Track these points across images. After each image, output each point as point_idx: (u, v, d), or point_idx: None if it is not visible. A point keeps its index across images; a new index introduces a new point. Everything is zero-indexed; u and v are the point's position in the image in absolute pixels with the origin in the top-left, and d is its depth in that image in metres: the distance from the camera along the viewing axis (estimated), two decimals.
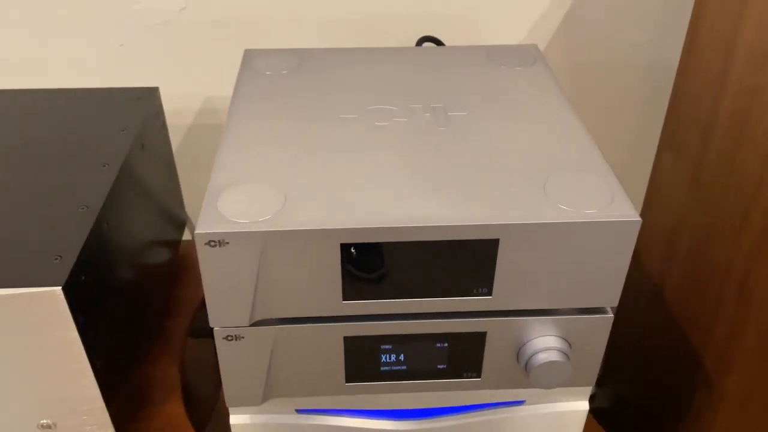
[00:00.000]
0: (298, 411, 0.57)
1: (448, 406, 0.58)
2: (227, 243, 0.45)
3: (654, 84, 0.84)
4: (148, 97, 0.68)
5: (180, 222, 0.79)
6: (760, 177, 0.59)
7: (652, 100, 0.85)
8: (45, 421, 0.53)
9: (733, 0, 0.62)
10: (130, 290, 0.61)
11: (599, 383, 0.97)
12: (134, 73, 0.80)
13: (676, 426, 0.74)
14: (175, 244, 0.77)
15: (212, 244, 0.45)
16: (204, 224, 0.45)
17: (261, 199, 0.47)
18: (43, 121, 0.64)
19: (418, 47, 0.75)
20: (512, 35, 0.81)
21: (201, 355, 0.76)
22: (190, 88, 0.82)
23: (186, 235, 0.82)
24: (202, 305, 0.75)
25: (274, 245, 0.45)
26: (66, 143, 0.60)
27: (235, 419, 0.56)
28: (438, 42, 0.77)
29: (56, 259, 0.48)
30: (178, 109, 0.82)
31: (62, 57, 0.78)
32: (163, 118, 0.72)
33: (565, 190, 0.48)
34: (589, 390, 0.57)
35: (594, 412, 0.97)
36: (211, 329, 0.49)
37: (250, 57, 0.67)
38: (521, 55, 0.68)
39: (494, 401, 0.57)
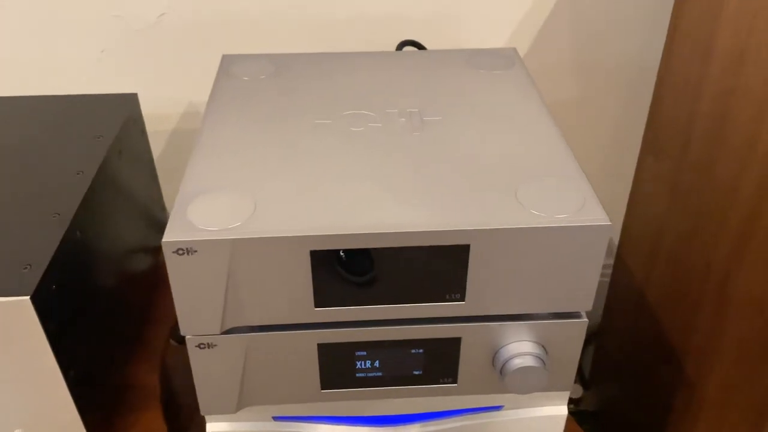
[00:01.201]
0: (275, 418, 0.57)
1: (425, 412, 0.57)
2: (195, 251, 0.45)
3: (634, 89, 0.84)
4: (127, 103, 0.68)
5: (161, 228, 0.78)
6: (737, 179, 0.59)
7: (633, 105, 0.85)
8: (18, 430, 0.53)
9: (709, 7, 0.62)
10: (107, 298, 0.61)
11: (587, 386, 0.97)
12: (114, 80, 0.80)
13: (660, 426, 0.74)
14: (156, 250, 0.76)
15: (180, 252, 0.45)
16: (172, 232, 0.45)
17: (231, 207, 0.47)
18: (19, 128, 0.64)
19: (398, 51, 0.75)
20: (494, 39, 0.81)
21: (184, 360, 0.76)
22: (170, 94, 0.82)
23: None
24: None
25: (243, 253, 0.45)
26: (41, 151, 0.60)
27: (212, 427, 0.56)
28: (419, 46, 0.76)
29: (25, 268, 0.48)
30: (159, 115, 0.82)
31: (42, 64, 0.78)
32: (142, 124, 0.71)
33: (536, 196, 0.48)
34: (567, 395, 0.57)
35: (582, 414, 0.97)
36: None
37: (227, 62, 0.67)
38: (500, 59, 0.67)
39: (472, 407, 0.57)
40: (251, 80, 0.64)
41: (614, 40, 0.81)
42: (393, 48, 0.78)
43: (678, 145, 0.69)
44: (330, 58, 0.68)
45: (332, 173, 0.50)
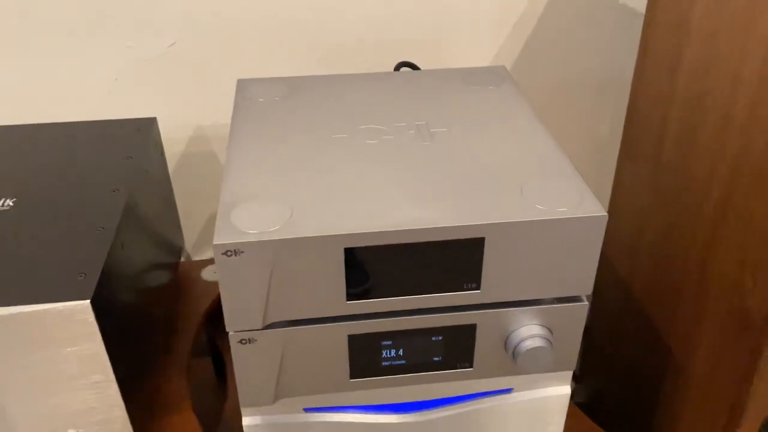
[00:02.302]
0: (306, 410, 0.61)
1: (443, 397, 0.63)
2: (242, 252, 0.50)
3: (613, 99, 0.92)
4: (147, 126, 0.73)
5: (178, 245, 0.83)
6: (709, 175, 0.66)
7: (612, 114, 0.92)
8: (71, 430, 0.57)
9: (675, 25, 0.69)
10: (140, 307, 0.65)
11: (578, 380, 1.03)
12: (127, 106, 0.85)
13: (650, 410, 0.80)
14: (174, 266, 0.81)
15: (228, 253, 0.50)
16: (220, 236, 0.50)
17: (269, 212, 0.52)
18: (54, 152, 0.68)
19: (397, 72, 0.81)
20: (479, 59, 0.87)
21: (201, 372, 0.80)
22: (180, 118, 0.87)
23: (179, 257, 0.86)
24: (203, 323, 0.80)
25: (284, 252, 0.50)
26: (77, 171, 0.65)
27: (248, 421, 0.60)
28: (414, 66, 0.83)
29: (80, 276, 0.52)
30: (170, 138, 0.87)
31: (60, 92, 0.83)
32: (161, 147, 0.76)
33: (539, 193, 0.54)
34: (570, 375, 0.63)
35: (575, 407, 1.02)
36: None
37: (243, 85, 0.72)
38: (491, 76, 0.74)
39: (485, 390, 0.63)
40: (266, 101, 0.69)
41: (590, 57, 0.89)
42: (389, 69, 0.84)
43: (653, 148, 0.77)
44: (336, 80, 0.74)
45: (356, 179, 0.56)
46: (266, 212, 0.52)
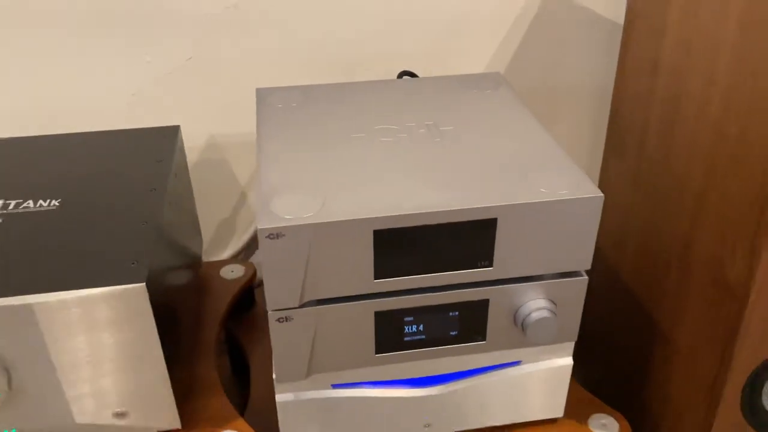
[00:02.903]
0: (334, 386, 0.67)
1: (459, 371, 0.68)
2: (283, 236, 0.56)
3: (597, 103, 0.99)
4: (173, 133, 0.78)
5: (199, 244, 0.88)
6: (687, 168, 0.73)
7: (596, 116, 1.00)
8: (119, 409, 0.62)
9: (653, 29, 0.77)
10: (175, 297, 0.70)
11: (573, 370, 1.10)
12: (147, 117, 0.90)
13: (640, 383, 0.86)
14: (197, 263, 0.86)
15: (271, 236, 0.55)
16: (263, 222, 0.55)
17: (304, 201, 0.58)
18: (89, 157, 0.73)
19: (400, 79, 0.88)
20: (474, 66, 0.95)
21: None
22: (194, 128, 0.93)
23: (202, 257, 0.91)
24: (225, 317, 0.85)
25: (319, 235, 0.56)
26: (117, 173, 0.70)
27: (281, 398, 0.66)
28: (414, 74, 0.90)
29: (133, 263, 0.58)
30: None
31: (85, 105, 0.88)
32: (184, 152, 0.82)
33: (543, 179, 0.61)
34: (572, 346, 0.70)
35: None
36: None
37: (261, 94, 0.78)
38: (488, 81, 0.81)
39: (496, 363, 0.69)
40: (284, 107, 0.75)
41: (575, 63, 0.97)
42: (389, 78, 0.91)
43: (636, 145, 0.84)
44: (346, 87, 0.80)
45: (378, 171, 0.62)
46: (301, 201, 0.58)
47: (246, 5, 0.86)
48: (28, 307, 0.54)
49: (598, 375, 0.99)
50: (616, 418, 0.75)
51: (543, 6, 0.92)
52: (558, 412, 0.73)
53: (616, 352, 0.93)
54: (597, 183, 0.95)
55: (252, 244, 1.00)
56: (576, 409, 0.75)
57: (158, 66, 0.88)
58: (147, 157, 0.73)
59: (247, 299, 0.92)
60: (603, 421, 0.75)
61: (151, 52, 0.87)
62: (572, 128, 1.01)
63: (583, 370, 1.06)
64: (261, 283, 1.00)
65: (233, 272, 0.90)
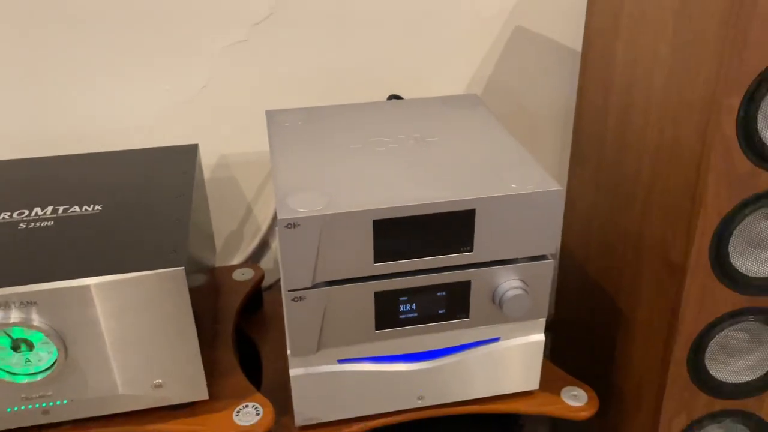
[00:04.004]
0: (339, 361, 0.77)
1: (447, 347, 0.79)
2: (298, 225, 0.67)
3: (563, 118, 1.12)
4: (193, 150, 0.90)
5: (213, 249, 0.99)
6: (636, 170, 0.86)
7: (562, 130, 1.13)
8: (157, 381, 0.72)
9: (605, 54, 0.91)
10: (201, 287, 0.81)
11: (552, 342, 1.20)
12: (165, 139, 1.02)
13: (608, 357, 0.97)
14: (212, 266, 0.96)
15: (288, 226, 0.67)
16: (282, 213, 0.67)
17: (314, 197, 0.69)
18: (122, 170, 0.84)
19: (389, 101, 1.00)
20: (453, 90, 1.08)
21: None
22: (206, 149, 1.04)
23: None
24: (238, 313, 0.95)
25: (327, 225, 0.67)
26: (146, 182, 0.81)
27: (294, 372, 0.76)
28: (400, 97, 1.02)
29: (173, 252, 0.68)
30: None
31: (113, 127, 0.99)
32: (202, 168, 0.93)
33: (513, 177, 0.73)
34: (543, 324, 0.81)
35: None
36: None
37: (271, 114, 0.90)
38: (466, 102, 0.94)
39: (478, 340, 0.80)
40: (291, 125, 0.87)
41: (542, 85, 1.10)
42: (378, 99, 1.03)
43: (595, 154, 0.97)
44: (343, 108, 0.92)
45: (375, 173, 0.74)
46: (312, 197, 0.69)
47: (255, 40, 0.99)
48: (85, 289, 0.65)
49: (571, 357, 1.10)
50: (585, 390, 0.86)
51: (513, 37, 1.06)
52: (534, 384, 0.84)
53: (586, 334, 1.05)
54: (565, 189, 1.07)
55: (259, 251, 1.11)
56: (550, 384, 0.86)
57: (176, 94, 1.00)
58: (173, 169, 0.84)
59: (256, 301, 1.02)
60: (573, 393, 0.86)
61: (170, 81, 0.99)
62: (542, 142, 1.14)
63: (559, 354, 1.18)
64: (269, 287, 1.11)
65: (244, 274, 1.01)
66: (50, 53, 0.94)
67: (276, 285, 1.12)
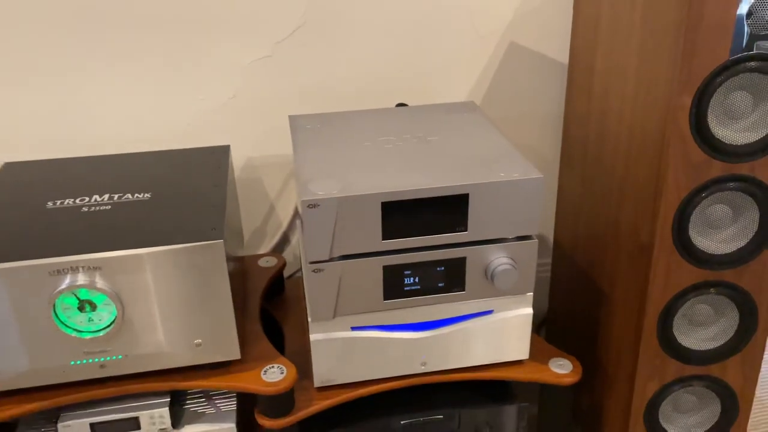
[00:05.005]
0: (353, 328, 0.89)
1: (446, 318, 0.91)
2: (318, 206, 0.79)
3: (553, 124, 1.25)
4: (225, 150, 1.03)
5: (241, 239, 1.11)
6: (612, 165, 0.98)
7: (552, 136, 1.25)
8: (197, 340, 0.84)
9: (587, 67, 1.03)
10: (232, 265, 0.93)
11: (548, 323, 1.31)
12: (199, 141, 1.15)
13: (592, 333, 1.08)
14: (241, 253, 1.09)
15: (310, 206, 0.79)
16: (304, 195, 0.79)
17: (331, 183, 0.82)
18: (167, 166, 0.97)
19: (396, 108, 1.13)
20: (453, 98, 1.20)
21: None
22: (235, 152, 1.17)
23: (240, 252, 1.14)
24: (263, 295, 1.07)
25: (342, 206, 0.80)
26: (187, 175, 0.94)
27: (314, 337, 0.88)
28: (405, 105, 1.15)
29: (213, 229, 0.81)
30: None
31: (153, 133, 1.13)
32: (233, 166, 1.06)
33: (501, 167, 0.85)
34: (530, 299, 0.92)
35: None
36: None
37: (293, 119, 1.03)
38: (465, 108, 1.07)
39: (474, 312, 0.91)
40: (311, 128, 1.00)
41: (534, 94, 1.22)
42: (389, 106, 1.16)
43: (581, 155, 1.09)
44: (355, 113, 1.05)
45: (383, 165, 0.86)
46: (329, 183, 0.82)
47: (278, 55, 1.12)
48: (139, 257, 0.78)
49: (563, 342, 1.21)
50: (570, 360, 0.97)
51: (508, 51, 1.19)
52: (524, 354, 0.95)
53: (576, 320, 1.16)
54: (556, 190, 1.19)
55: (281, 243, 1.24)
56: (539, 356, 0.97)
57: (208, 102, 1.14)
58: (209, 165, 0.97)
59: (279, 286, 1.15)
60: (560, 363, 0.97)
61: (204, 92, 1.13)
62: (534, 146, 1.26)
63: (551, 333, 1.28)
64: (291, 275, 1.23)
65: (268, 262, 1.13)
66: (109, 65, 1.08)
67: (295, 275, 1.24)
